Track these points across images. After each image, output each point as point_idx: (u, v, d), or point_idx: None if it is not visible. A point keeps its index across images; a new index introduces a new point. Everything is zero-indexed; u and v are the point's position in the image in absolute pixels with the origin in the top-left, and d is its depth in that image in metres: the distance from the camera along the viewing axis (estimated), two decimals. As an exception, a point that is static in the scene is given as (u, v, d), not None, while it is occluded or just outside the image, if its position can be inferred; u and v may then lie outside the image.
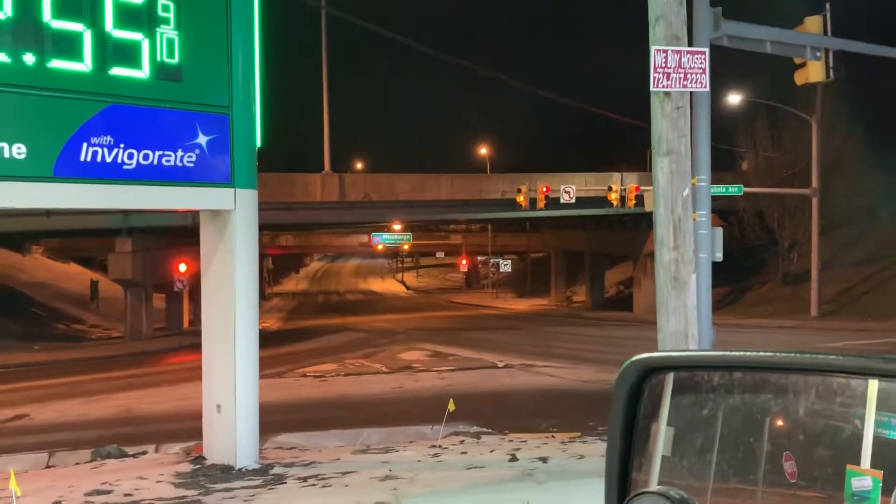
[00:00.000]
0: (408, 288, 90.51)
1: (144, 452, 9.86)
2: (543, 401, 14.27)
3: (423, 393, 15.29)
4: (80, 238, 42.90)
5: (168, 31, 7.77)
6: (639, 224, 39.37)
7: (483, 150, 56.84)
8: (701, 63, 7.30)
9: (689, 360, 1.96)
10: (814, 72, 13.47)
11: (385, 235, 48.47)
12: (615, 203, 31.42)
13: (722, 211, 33.39)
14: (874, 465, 1.45)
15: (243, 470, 8.24)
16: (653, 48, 7.14)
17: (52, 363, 24.85)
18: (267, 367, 15.91)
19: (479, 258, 74.08)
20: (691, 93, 7.68)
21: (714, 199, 12.53)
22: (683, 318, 7.18)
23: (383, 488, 7.30)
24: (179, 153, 7.91)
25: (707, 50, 7.73)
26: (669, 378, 1.78)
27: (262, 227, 9.92)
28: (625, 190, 31.56)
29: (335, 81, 39.18)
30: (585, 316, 42.04)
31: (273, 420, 10.74)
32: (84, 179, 7.39)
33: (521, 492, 6.98)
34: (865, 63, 15.27)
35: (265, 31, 8.87)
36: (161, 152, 7.79)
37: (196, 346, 9.87)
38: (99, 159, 7.42)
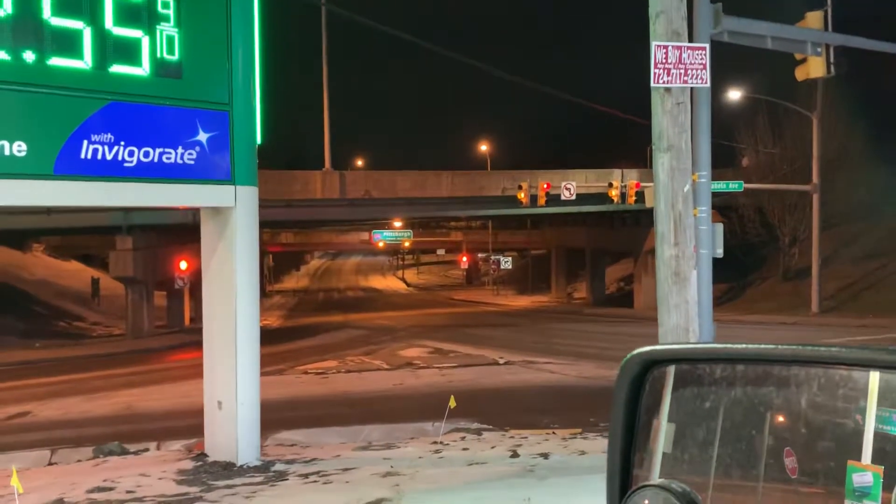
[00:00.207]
0: (408, 285, 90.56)
1: (146, 449, 9.86)
2: (544, 397, 14.29)
3: (424, 389, 15.30)
4: (81, 236, 42.91)
5: (168, 29, 7.77)
6: (639, 221, 39.39)
7: (483, 147, 56.83)
8: (701, 59, 7.30)
9: (691, 352, 1.96)
10: (814, 67, 13.45)
11: (386, 232, 48.48)
12: (616, 199, 31.42)
13: (722, 207, 33.40)
14: (875, 460, 1.45)
15: (245, 467, 8.25)
16: (653, 44, 7.14)
17: (54, 361, 24.88)
18: (268, 364, 15.92)
19: (479, 255, 74.11)
20: (692, 89, 7.67)
21: (715, 195, 12.53)
22: (684, 313, 7.18)
23: (385, 485, 7.31)
24: (180, 150, 7.91)
25: (708, 46, 7.73)
26: (671, 371, 1.78)
27: (263, 225, 9.94)
28: (625, 186, 31.56)
29: (336, 79, 39.19)
30: (586, 312, 42.05)
31: (274, 417, 10.75)
32: (85, 177, 7.39)
33: (522, 488, 6.98)
34: (866, 58, 15.25)
35: (265, 28, 8.87)
36: (161, 149, 7.79)
37: (197, 344, 9.87)
38: (99, 157, 7.42)
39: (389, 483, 7.37)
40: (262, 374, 9.23)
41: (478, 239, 71.28)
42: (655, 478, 1.73)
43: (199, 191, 8.22)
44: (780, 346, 1.62)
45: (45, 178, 7.23)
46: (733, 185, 30.53)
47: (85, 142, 7.34)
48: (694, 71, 7.24)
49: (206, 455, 8.72)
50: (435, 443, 9.56)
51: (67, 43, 7.24)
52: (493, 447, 9.21)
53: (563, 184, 32.01)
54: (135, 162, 7.63)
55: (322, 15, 33.39)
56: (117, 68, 7.52)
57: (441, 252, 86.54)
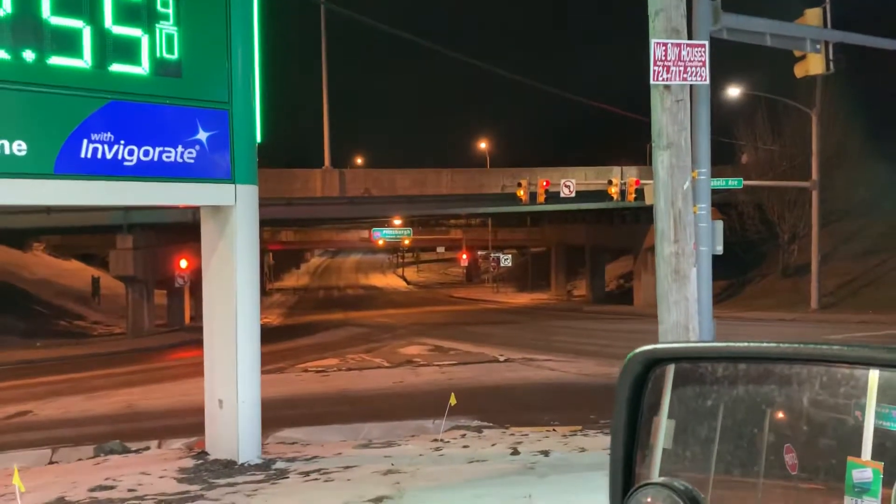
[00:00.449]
0: (408, 283, 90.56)
1: (147, 448, 9.88)
2: (545, 394, 14.30)
3: (425, 387, 15.31)
4: (81, 235, 42.88)
5: (167, 27, 7.77)
6: (639, 218, 39.39)
7: (483, 145, 56.80)
8: (700, 56, 7.30)
9: (693, 351, 1.96)
10: (814, 64, 13.45)
11: (385, 230, 48.51)
12: (615, 197, 31.42)
13: (722, 204, 33.40)
14: (875, 456, 1.46)
15: (246, 465, 8.26)
16: (652, 41, 7.14)
17: (55, 360, 24.89)
18: (268, 362, 15.92)
19: (479, 253, 74.11)
20: (691, 86, 7.67)
21: (714, 192, 12.52)
22: (684, 310, 7.19)
23: (385, 482, 7.32)
24: (180, 149, 7.92)
25: (707, 43, 7.73)
26: (671, 370, 1.79)
27: (263, 223, 9.94)
28: (625, 184, 31.54)
29: (335, 77, 39.16)
30: (586, 310, 42.06)
31: (275, 415, 10.77)
32: (85, 176, 7.39)
33: (522, 485, 6.99)
34: (865, 55, 15.25)
35: (265, 27, 8.87)
36: (161, 148, 7.79)
37: (198, 342, 9.88)
38: (99, 156, 7.42)
39: (390, 481, 7.38)
40: (263, 372, 9.24)
41: (477, 236, 71.26)
42: (657, 475, 1.74)
43: (200, 189, 8.22)
44: (780, 345, 1.63)
45: (45, 177, 7.23)
46: (733, 182, 30.54)
47: (85, 141, 7.34)
48: (693, 68, 7.25)
49: (206, 453, 8.73)
50: (435, 440, 9.57)
51: (67, 42, 7.24)
52: (493, 445, 9.22)
53: (563, 181, 32.01)
54: (135, 161, 7.64)
55: (321, 13, 33.38)
56: (117, 67, 7.52)
57: (441, 250, 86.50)
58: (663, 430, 1.78)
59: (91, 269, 46.67)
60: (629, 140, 40.19)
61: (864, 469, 1.46)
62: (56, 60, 7.20)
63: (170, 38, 7.79)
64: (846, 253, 35.20)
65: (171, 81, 7.85)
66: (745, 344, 1.68)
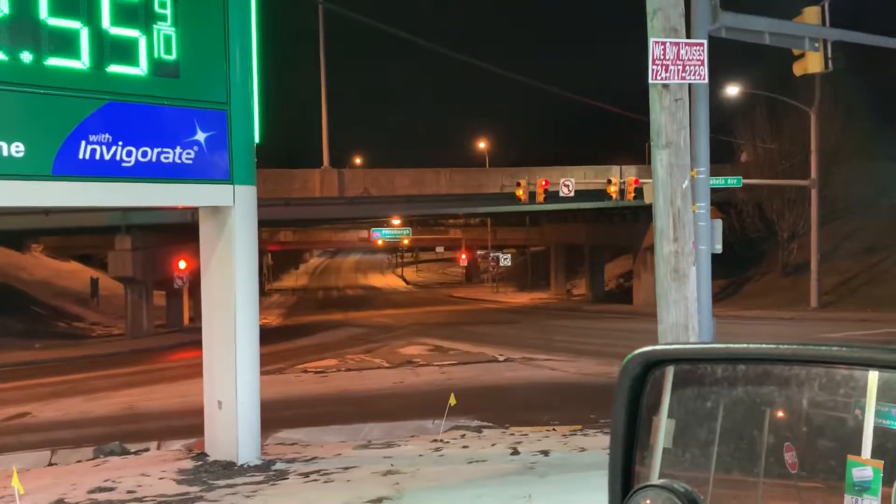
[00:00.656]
0: (407, 283, 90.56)
1: (146, 449, 9.87)
2: (544, 394, 14.29)
3: (424, 387, 15.31)
4: (80, 236, 42.85)
5: (165, 28, 7.76)
6: (638, 217, 39.37)
7: (482, 145, 56.79)
8: (699, 55, 7.29)
9: (692, 352, 1.96)
10: (812, 62, 13.44)
11: (384, 230, 48.51)
12: (614, 196, 31.42)
13: (721, 203, 33.42)
14: (875, 455, 1.46)
15: (245, 466, 8.26)
16: (651, 40, 7.14)
17: (54, 361, 24.88)
18: (268, 363, 15.93)
19: (478, 252, 74.10)
20: (690, 85, 7.67)
21: (713, 191, 12.51)
22: (683, 309, 7.18)
23: (385, 483, 7.32)
24: (178, 150, 7.91)
25: (705, 42, 7.73)
26: (670, 371, 1.78)
27: (262, 223, 9.92)
28: (624, 183, 31.55)
29: (334, 77, 39.16)
30: (585, 309, 42.06)
31: (274, 416, 10.76)
32: (83, 177, 7.39)
33: (523, 485, 6.99)
34: (865, 53, 15.25)
35: (263, 27, 8.86)
36: (160, 149, 7.79)
37: (197, 343, 9.88)
38: (97, 157, 7.41)
39: (390, 481, 7.38)
40: (262, 373, 9.23)
41: (477, 236, 71.24)
42: (657, 476, 1.73)
43: (198, 190, 8.22)
44: (780, 346, 1.62)
45: (43, 178, 7.22)
46: (732, 181, 30.53)
47: (83, 142, 7.33)
48: (692, 67, 7.24)
49: (206, 454, 8.73)
50: (435, 441, 9.56)
51: (64, 43, 7.24)
52: (493, 445, 9.22)
53: (562, 180, 32.00)
54: (133, 162, 7.63)
55: (319, 13, 33.36)
56: (115, 68, 7.51)
57: (440, 249, 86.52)
58: (663, 430, 1.77)
59: (90, 270, 46.68)
60: (628, 139, 40.18)
61: (865, 467, 1.46)
62: (54, 61, 7.19)
63: (167, 38, 7.78)
64: (846, 251, 35.21)
65: (169, 82, 7.85)
66: (745, 345, 1.68)
